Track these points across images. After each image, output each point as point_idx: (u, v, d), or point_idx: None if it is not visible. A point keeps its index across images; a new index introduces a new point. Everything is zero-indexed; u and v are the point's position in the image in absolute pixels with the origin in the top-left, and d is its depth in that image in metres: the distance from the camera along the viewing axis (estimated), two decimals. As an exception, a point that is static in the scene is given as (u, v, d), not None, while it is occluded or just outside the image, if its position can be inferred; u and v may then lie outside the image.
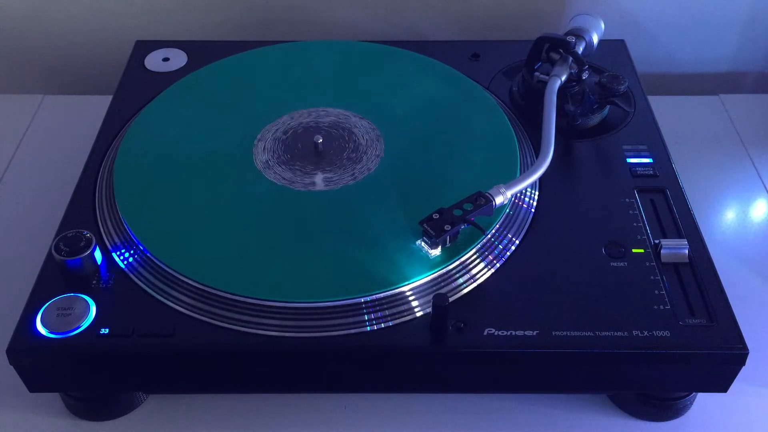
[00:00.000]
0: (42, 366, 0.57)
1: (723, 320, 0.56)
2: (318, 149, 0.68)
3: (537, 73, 0.72)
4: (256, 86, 0.76)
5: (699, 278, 0.59)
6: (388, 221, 0.62)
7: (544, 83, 0.70)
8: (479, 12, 0.92)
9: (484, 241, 0.60)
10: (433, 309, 0.54)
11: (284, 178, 0.66)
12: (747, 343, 0.55)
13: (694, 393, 0.61)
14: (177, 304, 0.57)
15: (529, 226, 0.63)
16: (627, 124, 0.72)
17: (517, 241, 0.62)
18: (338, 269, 0.58)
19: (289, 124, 0.71)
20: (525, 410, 0.62)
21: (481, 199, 0.59)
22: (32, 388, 0.58)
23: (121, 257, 0.60)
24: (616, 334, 0.55)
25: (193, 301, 0.57)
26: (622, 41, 0.83)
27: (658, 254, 0.60)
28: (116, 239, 0.61)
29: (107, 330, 0.56)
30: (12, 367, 0.56)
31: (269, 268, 0.59)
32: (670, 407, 0.61)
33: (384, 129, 0.70)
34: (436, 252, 0.59)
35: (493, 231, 0.61)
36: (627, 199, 0.65)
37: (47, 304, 0.57)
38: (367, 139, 0.69)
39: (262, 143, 0.69)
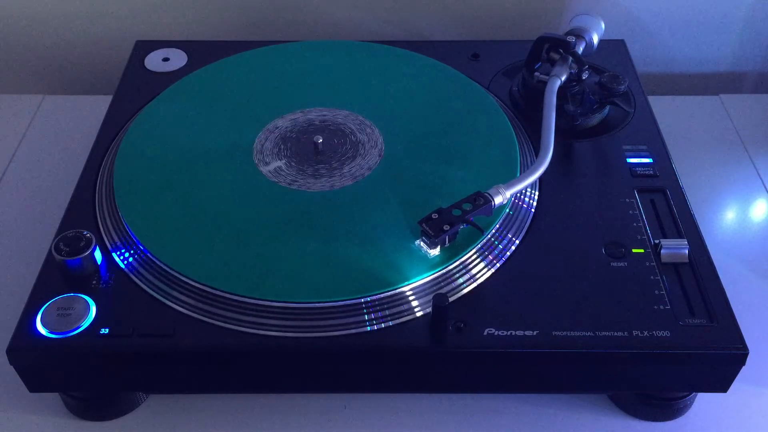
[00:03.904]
0: (42, 366, 0.57)
1: (723, 320, 0.56)
2: (318, 149, 0.68)
3: (537, 73, 0.72)
4: (256, 86, 0.76)
5: (699, 278, 0.59)
6: (389, 221, 0.61)
7: (544, 83, 0.70)
8: (479, 12, 0.92)
9: (484, 241, 0.60)
10: (433, 309, 0.54)
11: (284, 178, 0.66)
12: (747, 343, 0.55)
13: (694, 393, 0.61)
14: (177, 304, 0.57)
15: (529, 226, 0.63)
16: (627, 124, 0.72)
17: (517, 241, 0.62)
18: (338, 269, 0.58)
19: (289, 124, 0.71)
20: (525, 410, 0.62)
21: (480, 199, 0.59)
22: (32, 388, 0.58)
23: (121, 257, 0.60)
24: (616, 334, 0.55)
25: (193, 301, 0.57)
26: (622, 41, 0.83)
27: (658, 254, 0.60)
28: (116, 239, 0.61)
29: (107, 330, 0.56)
30: (12, 367, 0.56)
31: (269, 268, 0.59)
32: (670, 407, 0.61)
33: (384, 129, 0.70)
34: (435, 252, 0.59)
35: (493, 231, 0.61)
36: (627, 199, 0.65)
37: (47, 304, 0.57)
38: (367, 139, 0.69)
39: (262, 143, 0.69)
